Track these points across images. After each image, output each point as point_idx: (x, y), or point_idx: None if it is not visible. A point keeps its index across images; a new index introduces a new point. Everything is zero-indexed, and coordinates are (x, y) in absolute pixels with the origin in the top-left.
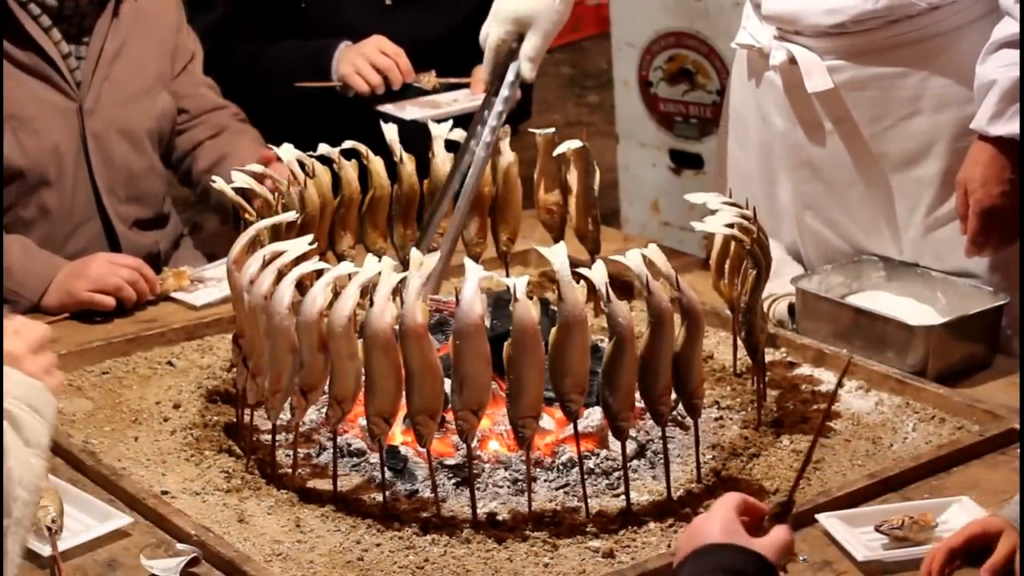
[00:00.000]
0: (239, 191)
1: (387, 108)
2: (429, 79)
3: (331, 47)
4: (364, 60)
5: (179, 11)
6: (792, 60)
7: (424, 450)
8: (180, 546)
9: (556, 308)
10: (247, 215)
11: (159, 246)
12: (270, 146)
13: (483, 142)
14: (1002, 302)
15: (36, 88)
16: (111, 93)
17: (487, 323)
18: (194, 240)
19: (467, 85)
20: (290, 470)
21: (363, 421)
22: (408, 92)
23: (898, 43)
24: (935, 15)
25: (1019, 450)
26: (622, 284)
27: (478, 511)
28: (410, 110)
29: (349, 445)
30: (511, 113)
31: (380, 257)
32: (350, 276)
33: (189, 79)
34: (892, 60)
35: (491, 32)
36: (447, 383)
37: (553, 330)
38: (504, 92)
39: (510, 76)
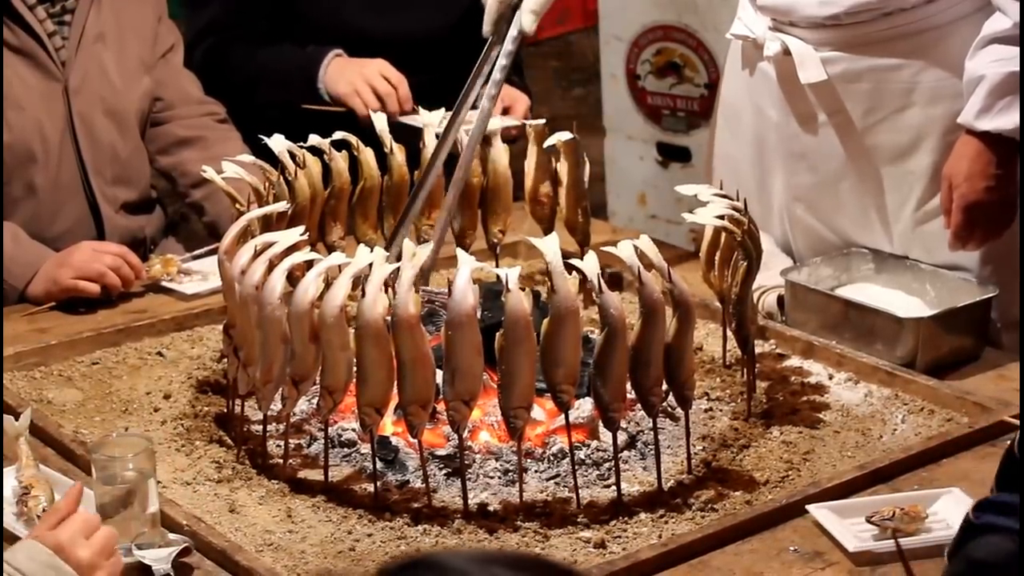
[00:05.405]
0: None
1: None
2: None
3: (321, 55)
4: (364, 82)
5: (158, 1)
6: (786, 51)
7: (415, 440)
8: (172, 536)
9: (547, 300)
10: (238, 205)
11: (145, 231)
12: (261, 137)
13: (488, 95)
14: (991, 295)
15: (22, 65)
16: (96, 74)
17: (478, 314)
18: (183, 232)
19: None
20: (281, 460)
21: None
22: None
23: (892, 36)
24: (929, 8)
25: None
26: (612, 276)
27: (469, 502)
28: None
29: (340, 435)
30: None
31: (372, 248)
32: (340, 267)
33: (168, 67)
34: (886, 53)
35: None
36: (439, 374)
37: (545, 321)
38: (507, 46)
39: (512, 30)
